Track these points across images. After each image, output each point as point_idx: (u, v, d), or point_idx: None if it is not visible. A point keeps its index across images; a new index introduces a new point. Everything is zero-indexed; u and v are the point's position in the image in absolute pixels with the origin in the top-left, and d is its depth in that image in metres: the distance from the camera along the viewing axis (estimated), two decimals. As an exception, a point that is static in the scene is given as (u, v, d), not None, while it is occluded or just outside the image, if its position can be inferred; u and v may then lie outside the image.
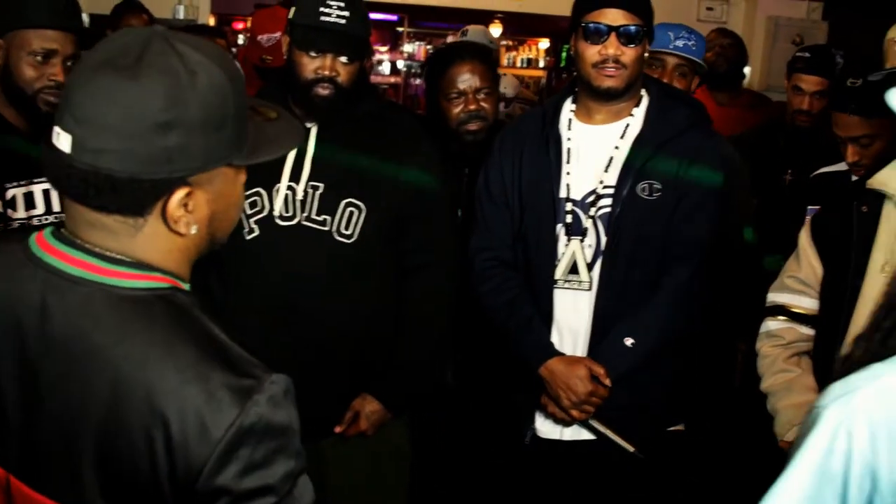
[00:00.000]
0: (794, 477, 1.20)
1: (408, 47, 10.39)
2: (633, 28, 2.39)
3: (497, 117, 3.12)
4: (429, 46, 10.27)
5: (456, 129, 2.97)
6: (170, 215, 1.25)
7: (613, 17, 2.39)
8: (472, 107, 2.94)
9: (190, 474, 1.18)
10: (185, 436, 1.17)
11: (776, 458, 2.28)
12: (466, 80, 2.95)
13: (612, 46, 2.39)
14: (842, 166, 2.91)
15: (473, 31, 5.08)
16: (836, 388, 1.20)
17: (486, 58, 3.09)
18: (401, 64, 10.43)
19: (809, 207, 2.86)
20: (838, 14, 5.78)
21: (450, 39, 5.24)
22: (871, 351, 1.25)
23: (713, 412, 3.06)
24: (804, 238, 2.44)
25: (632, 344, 2.39)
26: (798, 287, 2.43)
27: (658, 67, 3.20)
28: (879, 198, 2.23)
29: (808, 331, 2.42)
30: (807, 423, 1.21)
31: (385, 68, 10.37)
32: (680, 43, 3.20)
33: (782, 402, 2.36)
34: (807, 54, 3.62)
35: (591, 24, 2.40)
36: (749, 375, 2.73)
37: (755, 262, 3.01)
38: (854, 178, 2.77)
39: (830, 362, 2.25)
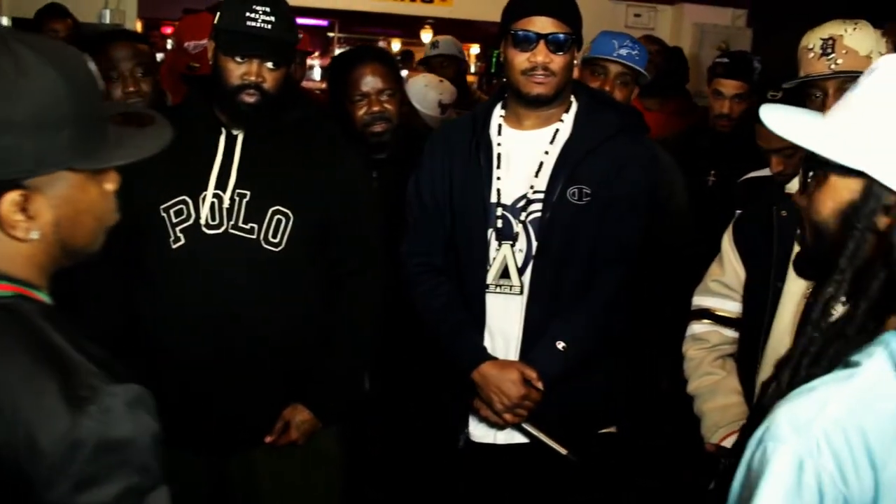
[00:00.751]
0: None
1: (339, 52, 10.36)
2: (561, 36, 2.41)
3: (414, 119, 3.13)
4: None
5: (361, 132, 2.97)
6: (4, 219, 1.21)
7: (542, 24, 2.40)
8: (376, 108, 2.96)
9: (20, 489, 1.13)
10: (16, 449, 1.13)
11: (704, 459, 2.32)
12: (369, 82, 2.96)
13: (540, 54, 2.40)
14: (769, 171, 2.97)
15: (444, 43, 5.17)
16: (784, 421, 1.17)
17: (387, 60, 3.12)
18: (332, 70, 10.39)
19: (738, 212, 2.92)
20: (762, 21, 5.91)
21: (429, 51, 5.37)
22: (798, 377, 1.25)
23: (644, 414, 3.09)
24: (726, 242, 2.47)
25: (563, 347, 2.41)
26: (722, 291, 2.47)
27: (601, 75, 3.24)
28: None
29: (732, 333, 2.45)
30: (757, 460, 1.18)
31: (316, 73, 10.32)
32: (624, 52, 3.24)
33: (708, 405, 2.39)
34: (726, 60, 3.72)
35: (521, 32, 2.41)
36: (677, 378, 2.77)
37: (688, 266, 3.05)
38: (780, 182, 2.83)
39: (754, 364, 2.29)
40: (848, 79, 2.14)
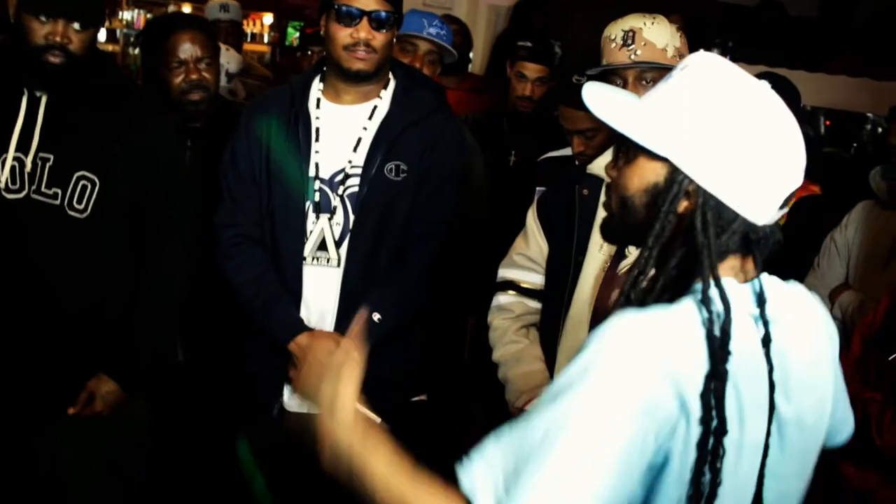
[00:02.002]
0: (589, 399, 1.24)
1: (126, 15, 9.91)
2: (384, 13, 2.44)
3: (218, 90, 3.09)
4: (149, 15, 9.83)
5: (178, 100, 2.91)
6: None
7: (366, 2, 2.43)
8: (194, 76, 2.90)
9: None
10: None
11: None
12: (187, 49, 2.90)
13: (363, 30, 2.43)
14: (567, 151, 3.12)
15: (234, 8, 4.94)
16: (605, 326, 1.30)
17: (206, 28, 3.07)
18: (118, 32, 9.94)
19: (538, 189, 3.05)
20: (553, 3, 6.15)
21: (217, 14, 5.02)
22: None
23: (449, 382, 3.19)
24: (531, 217, 2.60)
25: (379, 319, 2.45)
26: (526, 264, 2.59)
27: (410, 52, 3.28)
28: (599, 182, 2.42)
29: (535, 304, 2.58)
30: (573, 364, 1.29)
31: (102, 36, 9.84)
32: (433, 31, 3.31)
33: (513, 371, 2.51)
34: (529, 44, 3.84)
35: (344, 7, 2.43)
36: (478, 348, 2.87)
37: (484, 241, 3.17)
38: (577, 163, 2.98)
39: (556, 333, 2.43)
40: (646, 69, 2.31)
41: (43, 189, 2.34)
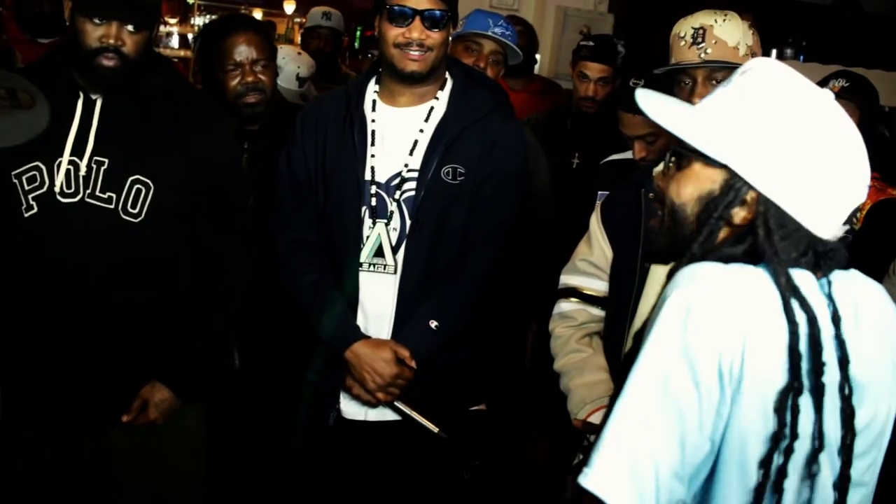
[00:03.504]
0: (650, 355, 1.27)
1: (199, 20, 10.05)
2: (437, 12, 2.39)
3: (278, 94, 3.06)
4: (218, 20, 9.95)
5: (233, 103, 2.88)
6: None
7: (418, 0, 2.38)
8: (250, 79, 2.87)
9: None
10: None
11: (570, 435, 2.36)
12: (243, 51, 2.87)
13: (416, 30, 2.38)
14: (630, 154, 3.03)
15: (336, 17, 5.00)
16: (681, 275, 1.31)
17: (262, 30, 3.03)
18: (191, 37, 10.08)
19: (600, 192, 2.96)
20: (623, 7, 6.05)
21: (319, 21, 5.06)
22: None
23: (509, 391, 3.13)
24: (594, 222, 2.51)
25: (436, 326, 2.40)
26: (589, 270, 2.51)
27: (474, 51, 3.23)
28: None
29: (599, 312, 2.49)
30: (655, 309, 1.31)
31: (174, 41, 9.98)
32: (498, 30, 3.25)
33: (575, 381, 2.42)
34: (591, 43, 3.78)
35: (396, 7, 2.39)
36: (540, 355, 2.80)
37: (549, 245, 3.09)
38: (642, 165, 2.89)
39: (621, 342, 2.34)
40: (716, 68, 2.21)
41: (98, 193, 2.33)
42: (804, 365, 1.25)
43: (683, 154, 1.36)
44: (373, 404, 2.48)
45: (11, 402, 2.31)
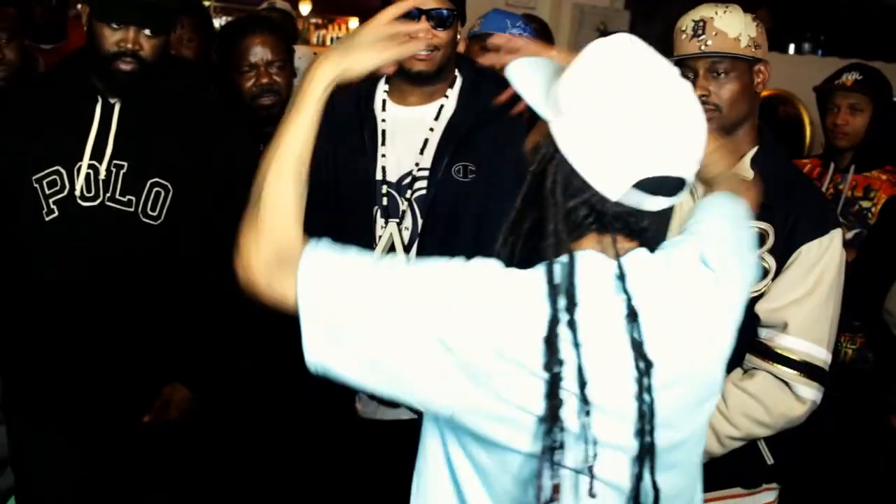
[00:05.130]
0: None
1: (216, 22, 10.10)
2: (444, 11, 2.39)
3: (291, 94, 3.06)
4: (236, 22, 9.99)
5: (249, 104, 2.89)
6: None
7: (424, 0, 2.38)
8: (265, 80, 2.87)
9: None
10: None
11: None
12: (258, 52, 2.87)
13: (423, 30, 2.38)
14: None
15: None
16: None
17: (277, 31, 3.03)
18: (207, 39, 10.14)
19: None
20: (639, 3, 6.04)
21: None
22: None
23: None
24: None
25: None
26: None
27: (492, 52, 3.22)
28: None
29: None
30: None
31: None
32: (516, 31, 3.25)
33: None
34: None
35: None
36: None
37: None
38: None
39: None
40: (718, 60, 2.20)
41: (117, 196, 2.36)
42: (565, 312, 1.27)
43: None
44: (388, 403, 2.49)
45: (30, 402, 2.34)
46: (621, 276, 1.33)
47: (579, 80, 1.34)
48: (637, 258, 1.37)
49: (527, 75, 1.46)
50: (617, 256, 1.34)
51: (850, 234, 3.27)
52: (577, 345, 1.25)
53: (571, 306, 1.27)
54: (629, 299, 1.31)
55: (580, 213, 1.34)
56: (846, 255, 2.25)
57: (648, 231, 1.39)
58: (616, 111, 1.30)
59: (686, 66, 2.25)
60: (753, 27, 2.24)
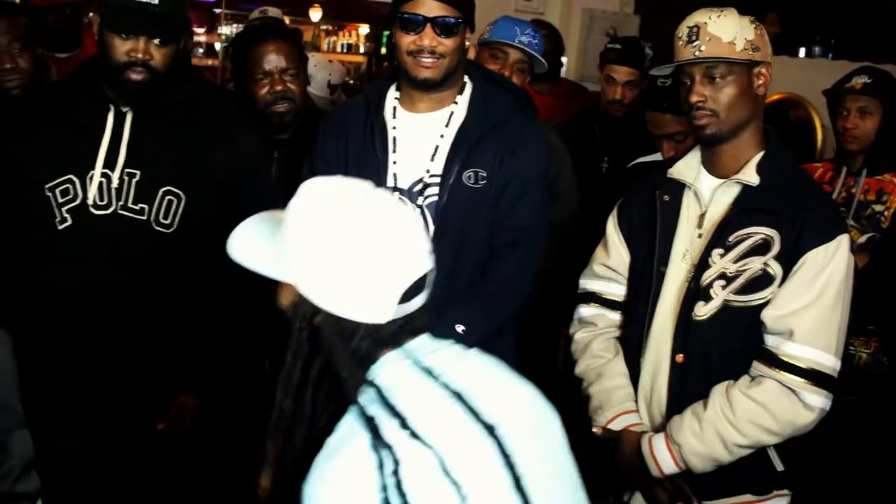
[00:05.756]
0: None
1: (225, 29, 10.13)
2: (450, 19, 2.39)
3: (309, 102, 3.08)
4: (247, 29, 10.00)
5: (263, 111, 2.90)
6: None
7: (429, 8, 2.38)
8: (279, 87, 2.89)
9: None
10: None
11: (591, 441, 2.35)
12: (272, 60, 2.88)
13: (427, 37, 2.38)
14: (658, 156, 3.02)
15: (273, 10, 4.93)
16: None
17: (291, 38, 3.04)
18: (217, 46, 10.17)
19: (627, 196, 2.95)
20: (650, 8, 6.03)
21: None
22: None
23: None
24: (611, 226, 2.50)
25: (463, 331, 2.40)
26: (608, 274, 2.49)
27: (500, 59, 3.24)
28: (680, 187, 2.33)
29: (618, 316, 2.48)
30: None
31: (201, 51, 10.07)
32: (525, 39, 3.26)
33: (594, 388, 2.41)
34: (618, 46, 3.78)
35: (407, 14, 2.39)
36: (572, 359, 2.79)
37: (573, 247, 3.09)
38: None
39: (638, 346, 2.34)
40: (713, 65, 2.19)
41: (130, 204, 2.37)
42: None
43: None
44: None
45: (43, 409, 2.35)
46: (428, 371, 1.44)
47: (302, 235, 1.42)
48: (426, 347, 1.49)
49: (248, 248, 1.51)
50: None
51: (862, 239, 3.26)
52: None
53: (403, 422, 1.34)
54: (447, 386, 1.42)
55: (363, 347, 1.42)
56: (859, 260, 2.24)
57: (425, 322, 1.52)
58: (350, 247, 1.40)
59: (683, 72, 2.25)
60: (751, 30, 2.22)
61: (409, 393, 1.40)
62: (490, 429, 1.39)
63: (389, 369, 1.44)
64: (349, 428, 1.36)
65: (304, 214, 1.44)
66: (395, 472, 1.29)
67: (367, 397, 1.39)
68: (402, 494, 1.28)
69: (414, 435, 1.33)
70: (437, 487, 1.31)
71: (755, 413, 2.12)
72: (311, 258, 1.41)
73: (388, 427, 1.34)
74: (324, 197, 1.46)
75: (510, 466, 1.38)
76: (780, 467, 2.23)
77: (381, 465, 1.30)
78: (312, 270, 1.41)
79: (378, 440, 1.32)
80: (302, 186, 1.50)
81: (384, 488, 1.28)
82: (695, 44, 2.20)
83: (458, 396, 1.40)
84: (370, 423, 1.34)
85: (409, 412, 1.36)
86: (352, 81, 6.07)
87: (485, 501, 1.34)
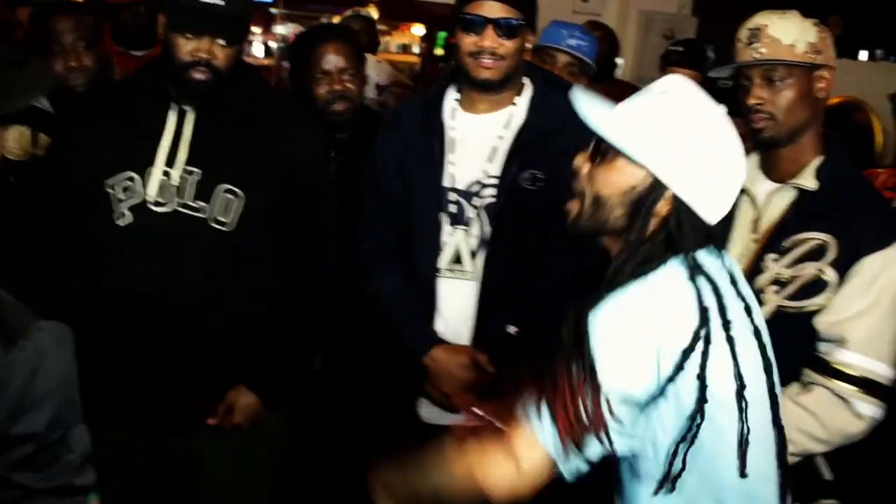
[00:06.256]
0: None
1: (281, 29, 10.22)
2: (513, 21, 2.40)
3: (364, 102, 3.11)
4: (302, 29, 10.10)
5: (322, 111, 2.93)
6: None
7: (490, 9, 2.39)
8: (337, 87, 2.92)
9: None
10: None
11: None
12: (331, 60, 2.92)
13: (488, 38, 2.39)
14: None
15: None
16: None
17: (351, 39, 3.08)
18: (274, 46, 10.26)
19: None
20: (708, 9, 5.98)
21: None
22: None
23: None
24: None
25: (515, 332, 2.42)
26: None
27: (549, 64, 3.23)
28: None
29: None
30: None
31: (258, 50, 10.18)
32: (573, 42, 3.25)
33: None
34: (680, 48, 3.75)
35: (468, 16, 2.40)
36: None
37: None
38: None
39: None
40: (772, 67, 2.17)
41: (189, 202, 2.39)
42: (714, 322, 1.54)
43: (609, 149, 1.63)
44: (451, 409, 2.51)
45: (100, 404, 2.40)
46: (732, 275, 1.67)
47: (674, 130, 1.58)
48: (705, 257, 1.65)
49: (606, 116, 1.66)
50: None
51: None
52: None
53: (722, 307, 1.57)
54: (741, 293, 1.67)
55: (697, 239, 1.61)
56: None
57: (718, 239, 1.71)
58: (713, 155, 1.59)
59: (742, 74, 2.23)
60: (813, 32, 2.19)
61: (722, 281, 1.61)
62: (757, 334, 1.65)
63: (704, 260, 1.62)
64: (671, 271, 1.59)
65: (679, 109, 1.60)
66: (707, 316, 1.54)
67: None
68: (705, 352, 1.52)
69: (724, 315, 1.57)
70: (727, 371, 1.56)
71: (804, 420, 2.09)
72: (683, 152, 1.57)
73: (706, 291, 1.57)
74: (697, 101, 1.62)
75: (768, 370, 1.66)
76: (827, 476, 2.20)
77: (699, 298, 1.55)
78: (681, 163, 1.58)
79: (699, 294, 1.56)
80: (670, 84, 1.64)
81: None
82: (754, 46, 2.18)
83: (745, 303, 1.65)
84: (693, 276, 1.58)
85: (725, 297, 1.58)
86: (406, 82, 6.08)
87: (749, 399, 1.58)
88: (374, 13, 9.90)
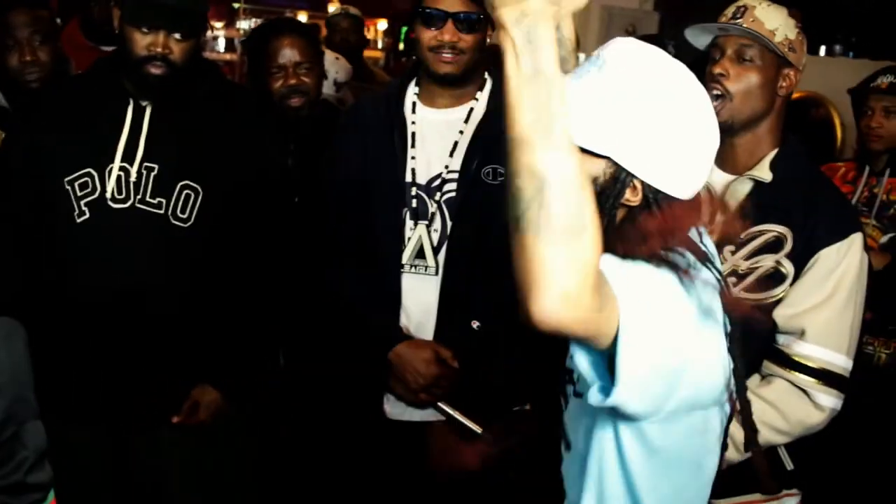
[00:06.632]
0: None
1: (244, 24, 10.17)
2: (472, 15, 2.40)
3: (320, 95, 3.10)
4: (265, 24, 10.05)
5: (278, 104, 2.92)
6: None
7: (450, 3, 2.39)
8: (293, 81, 2.91)
9: None
10: None
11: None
12: (286, 54, 2.92)
13: (448, 33, 2.40)
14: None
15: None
16: None
17: (306, 33, 3.08)
18: (236, 41, 10.21)
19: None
20: (670, 5, 6.01)
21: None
22: None
23: (554, 390, 3.12)
24: None
25: (478, 326, 2.42)
26: None
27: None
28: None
29: None
30: None
31: (220, 45, 10.11)
32: None
33: None
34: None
35: (428, 10, 2.40)
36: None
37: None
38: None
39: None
40: (746, 46, 2.16)
41: (148, 198, 2.38)
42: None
43: None
44: (416, 405, 2.51)
45: (63, 402, 2.37)
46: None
47: (626, 107, 1.40)
48: None
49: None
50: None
51: (884, 239, 3.23)
52: None
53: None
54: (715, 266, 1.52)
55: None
56: (880, 260, 2.22)
57: None
58: (677, 126, 1.42)
59: (716, 46, 2.22)
60: (794, 30, 2.20)
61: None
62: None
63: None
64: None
65: (628, 80, 1.42)
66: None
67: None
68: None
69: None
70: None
71: (765, 412, 2.10)
72: (641, 131, 1.40)
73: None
74: (648, 63, 1.44)
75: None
76: (789, 466, 2.22)
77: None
78: (642, 145, 1.41)
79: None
80: (609, 51, 1.46)
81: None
82: (738, 21, 2.18)
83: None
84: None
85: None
86: (385, 77, 6.08)
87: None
88: (334, 8, 9.88)
